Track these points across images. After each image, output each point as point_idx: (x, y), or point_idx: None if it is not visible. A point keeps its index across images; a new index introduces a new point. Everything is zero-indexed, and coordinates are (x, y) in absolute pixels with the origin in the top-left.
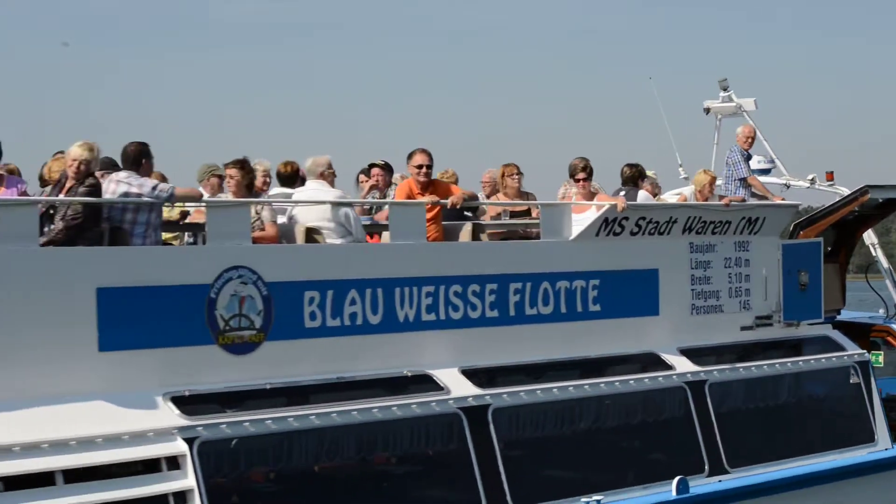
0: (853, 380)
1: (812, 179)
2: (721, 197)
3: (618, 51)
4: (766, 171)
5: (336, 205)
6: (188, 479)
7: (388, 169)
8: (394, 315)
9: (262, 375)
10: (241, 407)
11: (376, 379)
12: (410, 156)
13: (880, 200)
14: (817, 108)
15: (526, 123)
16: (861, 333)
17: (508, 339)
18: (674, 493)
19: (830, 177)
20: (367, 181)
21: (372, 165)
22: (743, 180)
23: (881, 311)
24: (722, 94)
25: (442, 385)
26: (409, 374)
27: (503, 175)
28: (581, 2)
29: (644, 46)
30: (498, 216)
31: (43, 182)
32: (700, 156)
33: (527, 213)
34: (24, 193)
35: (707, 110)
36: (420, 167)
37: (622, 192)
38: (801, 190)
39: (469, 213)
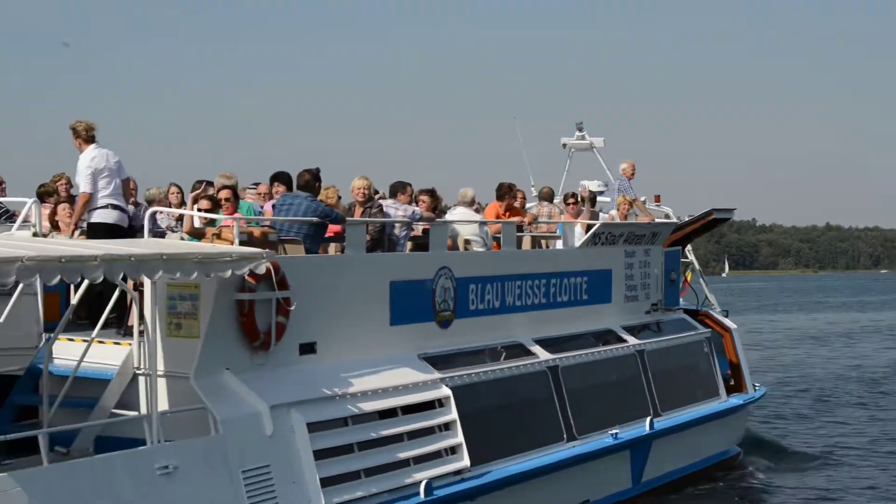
0: (705, 349)
1: (644, 201)
2: (636, 216)
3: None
4: (601, 193)
5: (481, 224)
6: (453, 414)
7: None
8: (503, 301)
9: (454, 343)
10: (455, 365)
11: (504, 346)
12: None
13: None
14: (650, 146)
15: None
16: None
17: (551, 318)
18: (647, 428)
19: (658, 199)
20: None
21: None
22: (631, 203)
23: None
24: (577, 133)
25: (533, 351)
26: (516, 343)
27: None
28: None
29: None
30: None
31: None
32: (550, 182)
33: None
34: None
35: (564, 145)
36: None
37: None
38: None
39: None
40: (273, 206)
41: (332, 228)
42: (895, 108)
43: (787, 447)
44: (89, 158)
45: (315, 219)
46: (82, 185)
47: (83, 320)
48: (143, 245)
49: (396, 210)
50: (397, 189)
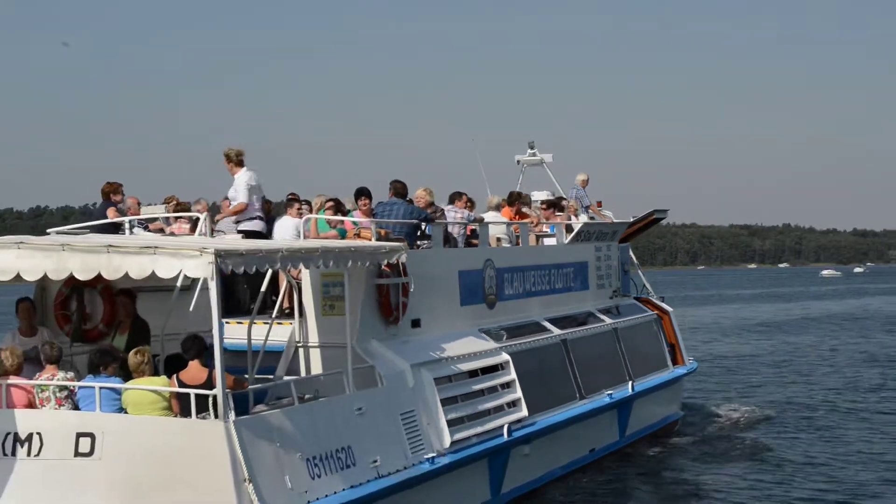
0: (654, 328)
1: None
2: (591, 217)
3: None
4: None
5: (508, 224)
6: (512, 374)
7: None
8: (524, 287)
9: (498, 321)
10: (503, 337)
11: (527, 324)
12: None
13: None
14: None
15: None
16: None
17: (553, 302)
18: (630, 391)
19: (600, 204)
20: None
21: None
22: (587, 207)
23: None
24: (529, 150)
25: (548, 328)
26: (535, 321)
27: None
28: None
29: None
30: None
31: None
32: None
33: None
34: None
35: (518, 161)
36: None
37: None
38: None
39: None
40: (374, 212)
41: None
42: (716, 108)
43: (715, 410)
44: (247, 178)
45: (414, 220)
46: (241, 197)
47: (235, 308)
48: (324, 243)
49: (456, 213)
50: (455, 197)
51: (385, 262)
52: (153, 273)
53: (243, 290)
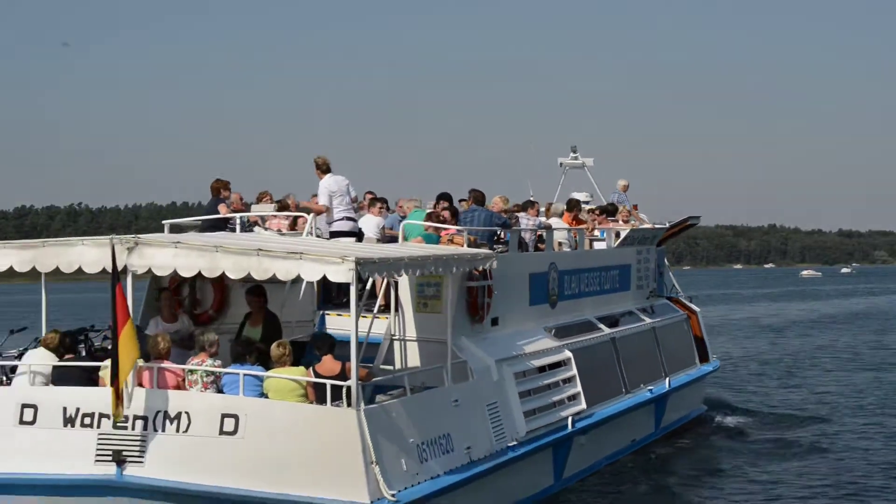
0: (685, 327)
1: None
2: (634, 222)
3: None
4: (586, 203)
5: (569, 230)
6: (573, 370)
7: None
8: (579, 288)
9: (559, 320)
10: (562, 335)
11: (582, 322)
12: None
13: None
14: (630, 165)
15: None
16: None
17: (601, 302)
18: (667, 386)
19: (636, 208)
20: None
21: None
22: (630, 211)
23: None
24: (571, 154)
25: (600, 327)
26: (588, 320)
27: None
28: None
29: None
30: None
31: None
32: (546, 195)
33: None
34: None
35: (561, 164)
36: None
37: (606, 219)
38: None
39: None
40: (458, 219)
41: None
42: (707, 108)
43: (736, 404)
44: (327, 185)
45: (495, 227)
46: (322, 201)
47: (335, 301)
48: (433, 251)
49: (529, 221)
50: (527, 205)
51: (480, 267)
52: (298, 275)
53: (335, 283)
